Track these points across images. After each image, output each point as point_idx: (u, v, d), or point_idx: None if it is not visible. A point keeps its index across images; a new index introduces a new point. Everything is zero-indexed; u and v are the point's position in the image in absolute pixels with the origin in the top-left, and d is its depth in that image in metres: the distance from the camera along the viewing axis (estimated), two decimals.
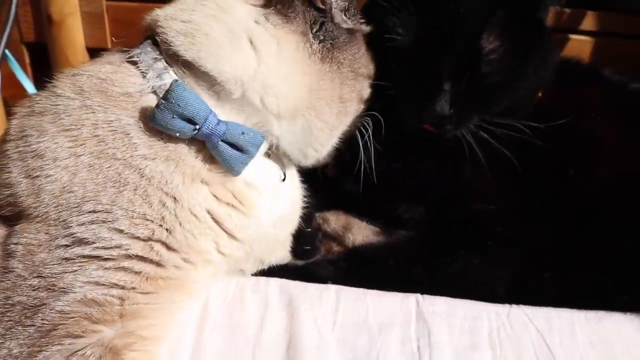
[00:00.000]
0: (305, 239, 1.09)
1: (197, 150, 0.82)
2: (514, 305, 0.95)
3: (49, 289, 0.73)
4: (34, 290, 0.73)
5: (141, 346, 0.76)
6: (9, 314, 0.73)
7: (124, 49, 0.88)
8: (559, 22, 1.47)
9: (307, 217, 1.08)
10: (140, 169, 0.77)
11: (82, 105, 0.80)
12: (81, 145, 0.77)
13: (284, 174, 0.95)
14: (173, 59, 0.83)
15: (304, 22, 0.87)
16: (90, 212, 0.75)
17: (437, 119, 0.96)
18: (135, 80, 0.82)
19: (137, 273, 0.76)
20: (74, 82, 0.83)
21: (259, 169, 0.90)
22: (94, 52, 1.16)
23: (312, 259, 1.07)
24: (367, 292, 0.96)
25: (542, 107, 1.06)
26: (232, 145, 0.80)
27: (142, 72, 0.83)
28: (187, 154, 0.81)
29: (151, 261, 0.77)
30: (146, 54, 0.84)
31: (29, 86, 1.50)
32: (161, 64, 0.83)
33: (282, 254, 1.05)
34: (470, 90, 0.94)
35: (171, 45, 0.82)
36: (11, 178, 0.79)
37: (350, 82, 0.91)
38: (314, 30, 0.87)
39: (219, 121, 0.79)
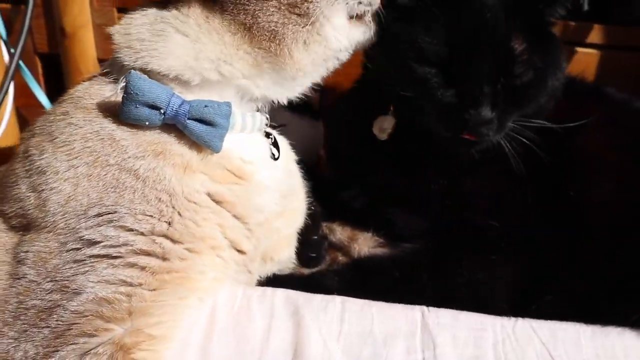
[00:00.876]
0: (311, 246, 1.10)
1: (177, 136, 0.85)
2: (519, 318, 0.95)
3: (63, 291, 0.76)
4: (47, 293, 0.77)
5: (150, 345, 0.79)
6: (22, 317, 0.76)
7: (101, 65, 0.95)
8: (566, 35, 1.48)
9: (313, 225, 1.09)
10: (135, 170, 0.81)
11: (68, 124, 0.85)
12: (76, 157, 0.82)
13: (278, 152, 0.98)
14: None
15: None
16: (95, 215, 0.79)
17: (481, 124, 0.96)
18: (109, 87, 0.88)
19: (143, 268, 0.79)
20: (60, 107, 0.90)
21: (253, 146, 0.93)
22: None
23: (317, 268, 1.08)
24: (373, 303, 0.96)
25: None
26: (202, 122, 0.83)
27: (114, 79, 0.88)
28: (171, 143, 0.85)
29: (155, 255, 0.81)
30: (115, 64, 0.89)
31: (42, 96, 1.53)
32: (125, 68, 0.86)
33: (288, 252, 1.06)
34: (506, 92, 0.95)
35: (123, 62, 0.87)
36: (20, 193, 0.84)
37: (265, 9, 0.86)
38: None
39: (183, 101, 0.83)
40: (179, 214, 0.82)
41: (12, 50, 1.48)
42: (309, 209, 1.07)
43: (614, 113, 1.12)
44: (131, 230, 0.80)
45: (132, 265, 0.79)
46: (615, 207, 1.01)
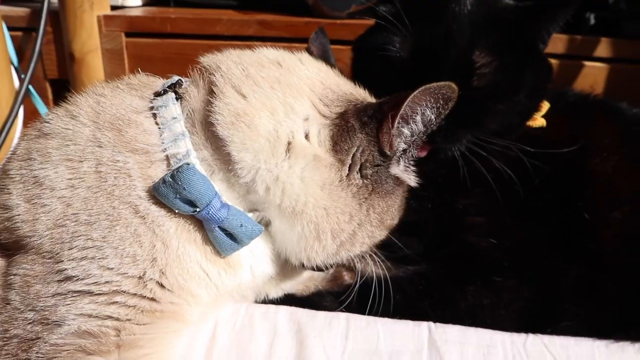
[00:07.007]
0: None
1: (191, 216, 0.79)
2: (530, 334, 0.92)
3: (43, 322, 0.72)
4: (29, 323, 0.73)
5: None
6: (6, 347, 0.72)
7: (155, 85, 0.86)
8: (574, 49, 1.47)
9: None
10: (136, 206, 0.76)
11: (92, 137, 0.78)
12: (79, 178, 0.76)
13: None
14: (197, 123, 0.81)
15: (353, 155, 0.81)
16: (81, 248, 0.74)
17: None
18: (152, 133, 0.80)
19: (132, 307, 0.75)
20: (95, 107, 0.81)
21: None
22: None
23: (322, 272, 1.05)
24: (378, 319, 0.93)
25: (553, 140, 1.05)
26: (228, 233, 0.78)
27: (159, 128, 0.80)
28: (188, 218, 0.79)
29: (145, 297, 0.76)
30: (167, 109, 0.81)
31: None
32: (179, 126, 0.80)
33: (291, 285, 1.04)
34: (462, 104, 0.93)
35: (211, 113, 0.78)
36: (10, 201, 0.77)
37: (372, 228, 0.85)
38: (364, 169, 0.82)
39: (222, 205, 0.77)
40: (171, 267, 0.77)
41: (23, 76, 1.51)
42: None
43: (627, 131, 1.09)
44: (116, 271, 0.74)
45: (119, 303, 0.74)
46: (630, 226, 0.98)
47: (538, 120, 1.06)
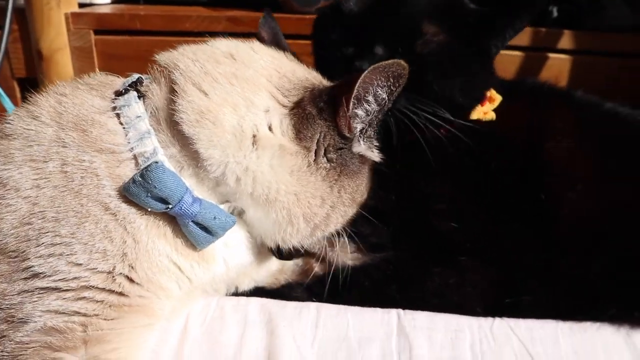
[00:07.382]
0: None
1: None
2: (497, 318, 0.94)
3: (8, 320, 0.72)
4: None
5: None
6: None
7: (115, 84, 0.86)
8: (538, 41, 1.50)
9: None
10: (105, 203, 0.76)
11: (55, 137, 0.78)
12: (45, 178, 0.75)
13: None
14: (162, 121, 0.81)
15: (317, 141, 0.83)
16: (48, 245, 0.73)
17: None
18: (117, 133, 0.80)
19: (100, 302, 0.75)
20: (56, 107, 0.81)
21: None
22: None
23: (293, 260, 1.06)
24: (348, 308, 0.95)
25: (511, 128, 1.08)
26: (202, 226, 0.79)
27: (124, 127, 0.80)
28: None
29: (114, 292, 0.76)
30: (130, 108, 0.81)
31: None
32: (144, 124, 0.80)
33: (263, 274, 1.04)
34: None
35: (175, 111, 0.79)
36: None
37: (345, 208, 0.88)
38: (329, 153, 0.84)
39: (194, 200, 0.78)
40: (141, 262, 0.77)
41: None
42: None
43: (584, 116, 1.12)
44: (85, 267, 0.74)
45: (87, 298, 0.74)
46: (587, 206, 1.01)
47: (488, 114, 1.07)
